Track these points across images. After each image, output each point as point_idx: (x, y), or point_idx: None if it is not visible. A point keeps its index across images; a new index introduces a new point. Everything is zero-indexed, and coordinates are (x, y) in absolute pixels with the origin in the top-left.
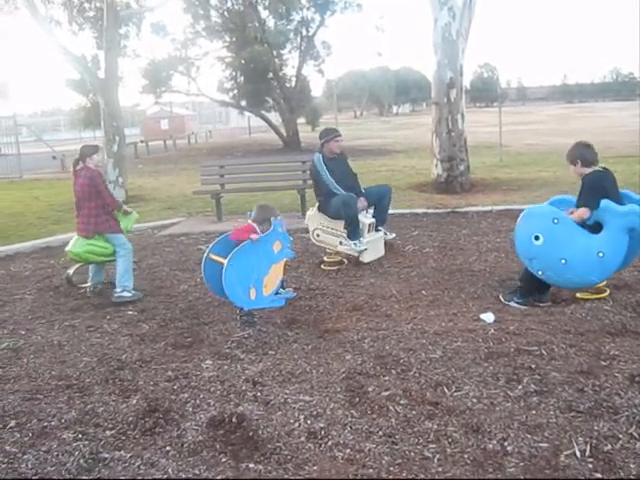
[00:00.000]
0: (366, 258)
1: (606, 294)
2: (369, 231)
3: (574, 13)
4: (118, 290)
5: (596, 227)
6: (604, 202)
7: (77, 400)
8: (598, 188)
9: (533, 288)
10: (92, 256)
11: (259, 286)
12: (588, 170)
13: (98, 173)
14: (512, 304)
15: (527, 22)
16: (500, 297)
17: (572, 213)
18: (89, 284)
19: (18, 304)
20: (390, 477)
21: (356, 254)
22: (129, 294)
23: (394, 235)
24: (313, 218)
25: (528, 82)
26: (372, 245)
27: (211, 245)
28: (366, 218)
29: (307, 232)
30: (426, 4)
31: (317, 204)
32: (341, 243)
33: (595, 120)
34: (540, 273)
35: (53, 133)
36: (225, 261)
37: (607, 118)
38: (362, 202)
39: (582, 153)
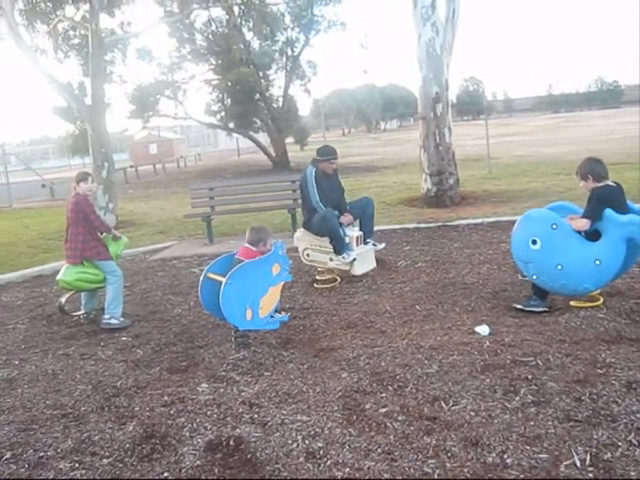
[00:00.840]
0: (357, 270)
1: (600, 302)
2: (357, 244)
3: (557, 23)
4: (106, 317)
5: (594, 235)
6: (605, 211)
7: (73, 429)
8: (606, 202)
9: (545, 290)
10: (83, 284)
11: (255, 307)
12: (600, 184)
13: (84, 197)
14: (532, 309)
15: (511, 34)
16: (517, 306)
17: (571, 219)
18: (82, 311)
19: (11, 334)
20: None
21: (347, 267)
22: (117, 321)
23: (384, 245)
24: (301, 238)
25: (514, 94)
26: (362, 257)
27: (210, 264)
28: (353, 232)
29: (298, 252)
30: (409, 20)
31: (301, 228)
32: (331, 259)
33: (582, 129)
34: (535, 277)
35: (42, 161)
36: (224, 279)
37: (594, 127)
38: (347, 217)
39: (593, 169)
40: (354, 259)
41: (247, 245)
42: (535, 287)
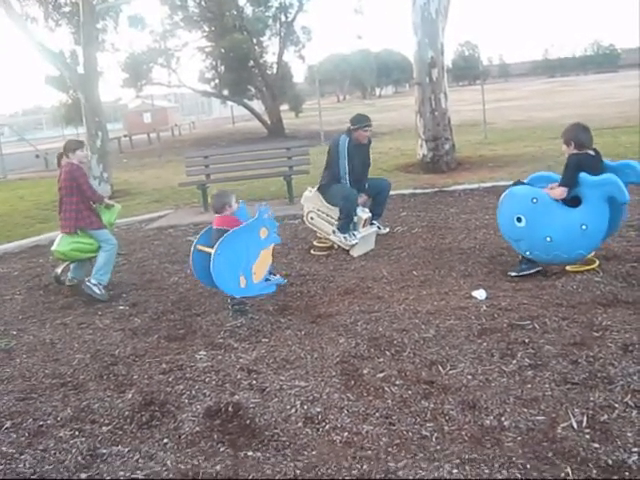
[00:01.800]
0: (355, 252)
1: (596, 265)
2: (364, 225)
3: None
4: (92, 281)
5: (575, 201)
6: (580, 175)
7: (72, 397)
8: (581, 168)
9: None
10: (78, 253)
11: (248, 274)
12: (579, 152)
13: (77, 167)
14: (524, 273)
15: None
16: (509, 274)
17: (551, 189)
18: (69, 276)
19: (8, 304)
20: (389, 458)
21: (347, 248)
22: (99, 292)
23: (387, 230)
24: (310, 200)
25: (510, 58)
26: (364, 239)
27: (198, 236)
28: (363, 213)
29: (295, 219)
30: None
31: (318, 185)
32: (334, 232)
33: (578, 93)
34: (528, 253)
35: (35, 132)
36: (212, 251)
37: (590, 91)
38: (363, 198)
39: (578, 136)
40: (356, 243)
41: (217, 214)
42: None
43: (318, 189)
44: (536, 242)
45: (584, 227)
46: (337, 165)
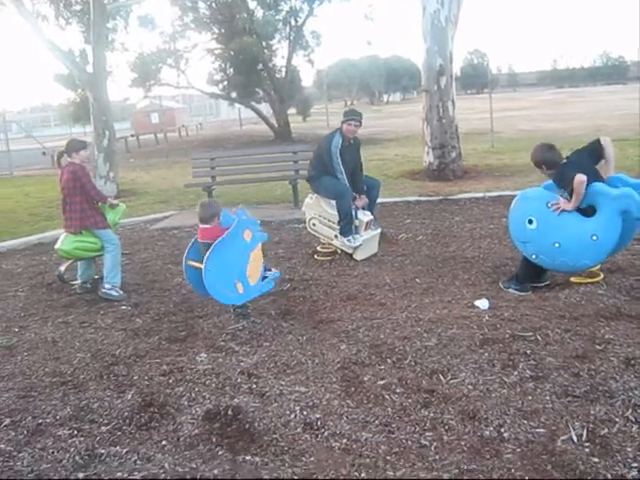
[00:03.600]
0: (359, 256)
1: (600, 278)
2: (366, 229)
3: None
4: (107, 287)
5: (589, 210)
6: (598, 185)
7: (72, 396)
8: (568, 178)
9: (531, 274)
10: (82, 252)
11: (244, 279)
12: (552, 171)
13: (80, 167)
14: (510, 291)
15: (517, 7)
16: (500, 284)
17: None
18: (78, 281)
19: (11, 301)
20: (387, 466)
21: (350, 251)
22: (116, 293)
23: (379, 230)
24: (311, 207)
25: (518, 68)
26: (367, 243)
27: (186, 251)
28: (365, 216)
29: (299, 223)
30: None
31: (314, 195)
32: (336, 237)
33: (586, 104)
34: (534, 257)
35: (43, 129)
36: (202, 266)
37: (598, 102)
38: (362, 200)
39: (545, 157)
40: (360, 245)
41: (202, 225)
42: (519, 273)
43: (307, 180)
44: (544, 246)
45: (594, 238)
46: (331, 164)
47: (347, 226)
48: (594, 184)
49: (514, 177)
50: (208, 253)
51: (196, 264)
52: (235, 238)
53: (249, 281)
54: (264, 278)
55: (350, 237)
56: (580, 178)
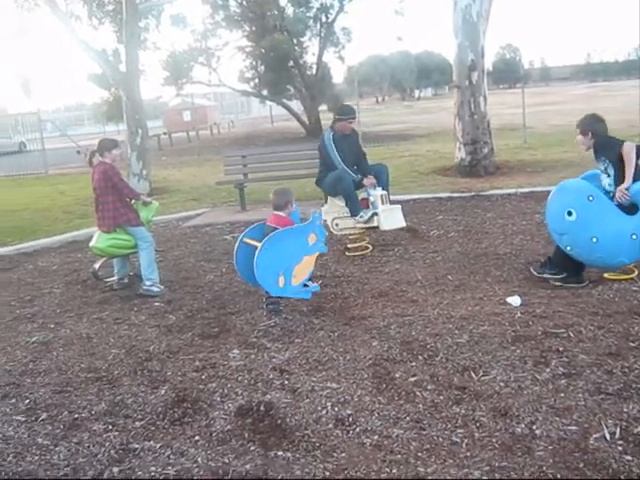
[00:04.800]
0: (385, 225)
1: (634, 275)
2: (383, 202)
3: None
4: (147, 284)
5: (631, 208)
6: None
7: (107, 392)
8: (614, 144)
9: (565, 262)
10: (116, 250)
11: (288, 275)
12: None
13: (111, 166)
14: (545, 275)
15: (549, 1)
16: (531, 270)
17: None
18: (115, 278)
19: (47, 298)
20: (418, 462)
21: (375, 224)
22: (157, 289)
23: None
24: (329, 210)
25: (551, 62)
26: (389, 213)
27: (245, 230)
28: (377, 191)
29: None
30: None
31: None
32: (355, 220)
33: (620, 99)
34: (569, 249)
35: (77, 128)
36: (259, 245)
37: (632, 97)
38: (370, 179)
39: (595, 126)
40: (373, 214)
41: (276, 212)
42: (553, 257)
43: (316, 183)
44: (581, 240)
45: (634, 236)
46: (329, 158)
47: (353, 205)
48: (638, 183)
49: (546, 173)
50: (271, 234)
51: (253, 242)
52: (301, 235)
53: (292, 280)
54: (304, 286)
55: (360, 213)
56: (630, 145)
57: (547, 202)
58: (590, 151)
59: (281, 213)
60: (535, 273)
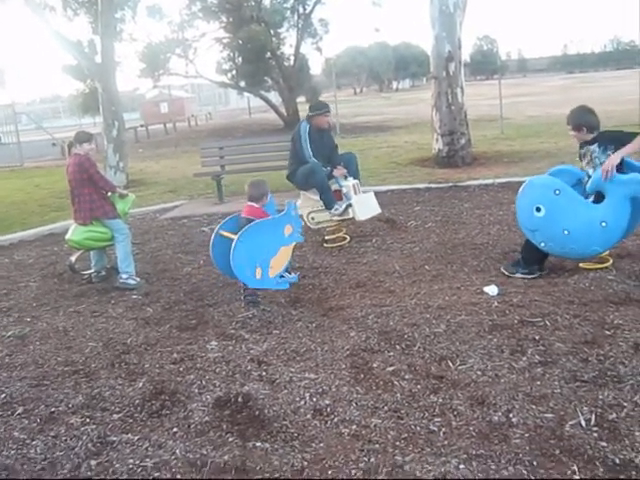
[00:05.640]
0: (360, 216)
1: (609, 263)
2: (356, 192)
3: None
4: (124, 276)
5: (597, 197)
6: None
7: (84, 385)
8: (628, 135)
9: (536, 258)
10: (92, 242)
11: (265, 266)
12: (591, 135)
13: (86, 158)
14: (518, 275)
15: None
16: (502, 270)
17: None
18: (92, 270)
19: (23, 292)
20: (396, 451)
21: (351, 215)
22: (134, 281)
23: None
24: (304, 204)
25: (528, 53)
26: (362, 203)
27: (222, 222)
28: (348, 181)
29: None
30: None
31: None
32: (330, 213)
33: (597, 90)
34: (543, 245)
35: (53, 120)
36: (235, 237)
37: (609, 87)
38: (340, 170)
39: (588, 120)
40: (348, 205)
41: (250, 203)
42: (525, 256)
43: (287, 178)
44: (553, 234)
45: (604, 224)
46: (301, 150)
47: (327, 197)
48: (599, 171)
49: (523, 163)
50: (246, 227)
51: (228, 234)
52: (277, 226)
53: (269, 271)
54: (281, 277)
55: (335, 206)
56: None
57: (516, 201)
58: (568, 143)
59: (255, 204)
60: (506, 272)
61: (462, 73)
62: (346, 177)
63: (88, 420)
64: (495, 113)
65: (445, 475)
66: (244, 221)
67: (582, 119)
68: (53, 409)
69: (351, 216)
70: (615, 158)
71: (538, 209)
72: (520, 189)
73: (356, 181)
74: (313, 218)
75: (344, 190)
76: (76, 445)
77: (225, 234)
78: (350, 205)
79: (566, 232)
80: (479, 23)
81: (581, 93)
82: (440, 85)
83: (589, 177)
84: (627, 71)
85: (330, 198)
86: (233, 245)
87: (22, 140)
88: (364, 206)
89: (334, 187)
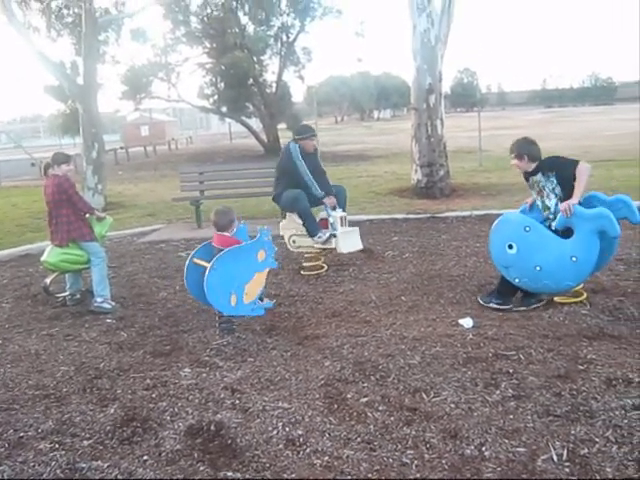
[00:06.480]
0: (343, 248)
1: (583, 297)
2: (342, 224)
3: (552, 18)
4: (99, 300)
5: (567, 232)
6: (574, 207)
7: (54, 410)
8: (568, 163)
9: (512, 292)
10: (68, 265)
11: (240, 293)
12: (533, 165)
13: (65, 179)
14: (492, 305)
15: (507, 27)
16: (478, 299)
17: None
18: (67, 293)
19: None
20: None
21: (333, 245)
22: (109, 305)
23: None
24: (287, 226)
25: (508, 87)
26: (347, 236)
27: (195, 250)
28: (337, 212)
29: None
30: (405, 10)
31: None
32: (313, 240)
33: (575, 125)
34: (517, 281)
35: (32, 140)
36: (208, 265)
37: (586, 122)
38: (331, 199)
39: (530, 149)
40: (331, 235)
41: (219, 232)
42: (500, 288)
43: (273, 199)
44: (525, 270)
45: (574, 259)
46: (296, 171)
47: (311, 225)
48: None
49: (501, 196)
50: (220, 254)
51: (202, 262)
52: (250, 252)
53: (244, 298)
54: (256, 303)
55: (319, 234)
56: (586, 165)
57: (489, 239)
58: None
59: (225, 233)
60: (481, 302)
61: (442, 105)
62: (335, 208)
63: (57, 446)
64: (474, 145)
65: None
66: (216, 251)
67: (524, 149)
68: (22, 434)
69: (333, 246)
70: (573, 201)
71: (510, 246)
72: (493, 225)
73: (344, 214)
74: (294, 241)
75: (331, 220)
76: (44, 471)
77: (198, 262)
78: (334, 236)
79: (538, 268)
80: (460, 56)
81: (559, 128)
82: (420, 117)
83: (544, 206)
84: (605, 107)
85: (313, 227)
86: (207, 273)
87: (0, 159)
88: (348, 240)
89: (322, 214)
